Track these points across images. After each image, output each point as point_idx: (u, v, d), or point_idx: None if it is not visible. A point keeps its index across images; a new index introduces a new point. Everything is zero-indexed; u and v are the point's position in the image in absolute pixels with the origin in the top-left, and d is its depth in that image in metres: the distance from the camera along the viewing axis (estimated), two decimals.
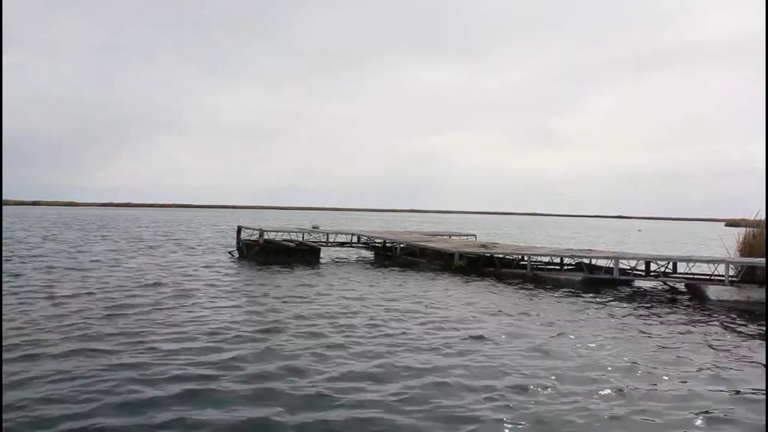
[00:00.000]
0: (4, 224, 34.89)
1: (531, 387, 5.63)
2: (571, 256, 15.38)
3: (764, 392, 5.61)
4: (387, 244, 20.46)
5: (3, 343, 6.51)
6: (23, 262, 15.17)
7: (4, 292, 10.03)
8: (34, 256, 17.23)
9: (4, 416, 4.50)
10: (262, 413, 4.76)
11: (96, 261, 16.28)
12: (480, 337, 7.71)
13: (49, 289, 10.83)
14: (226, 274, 14.38)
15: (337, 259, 19.33)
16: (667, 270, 13.91)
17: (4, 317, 7.93)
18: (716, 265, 12.68)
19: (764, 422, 4.85)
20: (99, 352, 6.45)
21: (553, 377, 5.96)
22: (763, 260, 11.90)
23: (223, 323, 8.19)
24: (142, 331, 7.50)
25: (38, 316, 8.29)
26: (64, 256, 17.36)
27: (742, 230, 14.43)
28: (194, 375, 5.70)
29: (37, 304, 9.20)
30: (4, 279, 11.49)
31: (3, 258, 14.72)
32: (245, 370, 5.91)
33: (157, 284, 11.93)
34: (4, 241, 21.70)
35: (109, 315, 8.53)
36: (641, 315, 9.96)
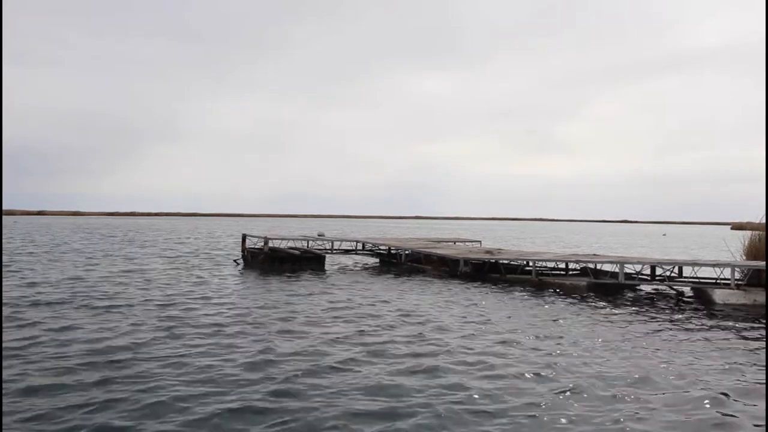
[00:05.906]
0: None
1: (540, 393, 5.64)
2: (576, 261, 15.35)
3: (765, 392, 5.62)
4: (392, 251, 20.52)
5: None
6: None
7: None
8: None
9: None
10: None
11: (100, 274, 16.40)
12: (483, 345, 7.74)
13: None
14: (233, 284, 14.42)
15: (342, 267, 19.36)
16: (672, 274, 13.88)
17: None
18: (722, 268, 12.64)
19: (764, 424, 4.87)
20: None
21: (558, 383, 5.97)
22: None
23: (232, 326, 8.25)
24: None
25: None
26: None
27: (747, 233, 14.40)
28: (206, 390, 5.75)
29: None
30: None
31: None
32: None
33: (162, 290, 12.01)
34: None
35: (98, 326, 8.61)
36: (647, 320, 9.93)
